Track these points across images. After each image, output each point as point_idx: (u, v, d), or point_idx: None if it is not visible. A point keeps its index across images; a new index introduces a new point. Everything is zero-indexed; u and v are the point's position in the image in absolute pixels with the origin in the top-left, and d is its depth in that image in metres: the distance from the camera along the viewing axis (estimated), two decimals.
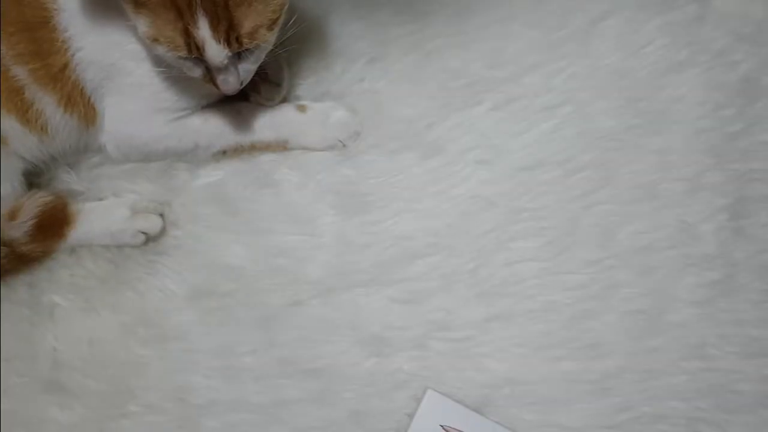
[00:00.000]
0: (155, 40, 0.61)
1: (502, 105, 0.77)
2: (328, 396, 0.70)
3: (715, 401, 0.68)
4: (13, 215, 0.70)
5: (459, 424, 0.68)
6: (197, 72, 0.64)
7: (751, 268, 0.73)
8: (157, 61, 0.66)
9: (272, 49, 0.65)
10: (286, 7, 0.62)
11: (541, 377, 0.71)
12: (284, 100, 0.76)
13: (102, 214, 0.74)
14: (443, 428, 0.67)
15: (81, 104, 0.70)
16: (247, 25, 0.60)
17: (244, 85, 0.65)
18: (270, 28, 0.62)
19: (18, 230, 0.70)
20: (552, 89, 0.77)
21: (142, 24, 0.61)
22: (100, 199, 0.76)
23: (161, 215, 0.75)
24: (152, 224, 0.74)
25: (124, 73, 0.69)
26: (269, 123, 0.74)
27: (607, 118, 0.76)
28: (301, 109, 0.75)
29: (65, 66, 0.67)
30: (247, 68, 0.64)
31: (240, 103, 0.74)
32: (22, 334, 0.72)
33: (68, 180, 0.76)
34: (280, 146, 0.75)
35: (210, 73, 0.64)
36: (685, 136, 0.76)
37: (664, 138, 0.76)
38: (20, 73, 0.67)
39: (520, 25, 0.78)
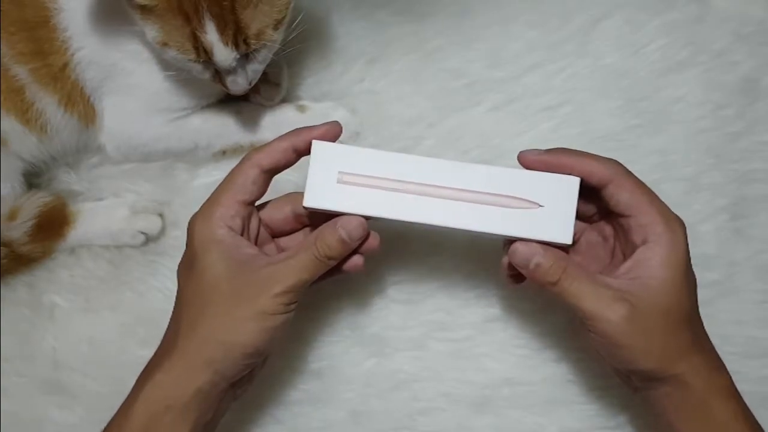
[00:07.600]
0: (165, 44, 0.61)
1: (502, 105, 0.77)
2: (328, 396, 0.70)
3: None
4: (12, 216, 0.70)
5: (358, 168, 0.57)
6: (206, 74, 0.64)
7: (751, 268, 0.73)
8: (166, 65, 0.66)
9: (278, 48, 0.65)
10: (291, 5, 0.62)
11: (541, 377, 0.70)
12: (284, 100, 0.76)
13: (101, 215, 0.74)
14: (342, 174, 0.57)
15: (81, 104, 0.70)
16: (253, 26, 0.60)
17: (252, 84, 0.65)
18: (276, 27, 0.62)
19: (17, 231, 0.70)
20: (552, 89, 0.77)
21: (151, 30, 0.61)
22: (100, 200, 0.75)
23: (161, 215, 0.74)
24: (152, 224, 0.74)
25: (124, 73, 0.69)
26: (269, 123, 0.74)
27: (607, 118, 0.76)
28: (301, 109, 0.75)
29: (65, 66, 0.67)
30: (256, 68, 0.64)
31: (240, 103, 0.74)
32: (22, 334, 0.72)
33: (68, 180, 0.76)
34: None
35: (219, 74, 0.64)
36: (685, 136, 0.76)
37: (664, 138, 0.76)
38: (20, 72, 0.67)
39: (520, 25, 0.78)
